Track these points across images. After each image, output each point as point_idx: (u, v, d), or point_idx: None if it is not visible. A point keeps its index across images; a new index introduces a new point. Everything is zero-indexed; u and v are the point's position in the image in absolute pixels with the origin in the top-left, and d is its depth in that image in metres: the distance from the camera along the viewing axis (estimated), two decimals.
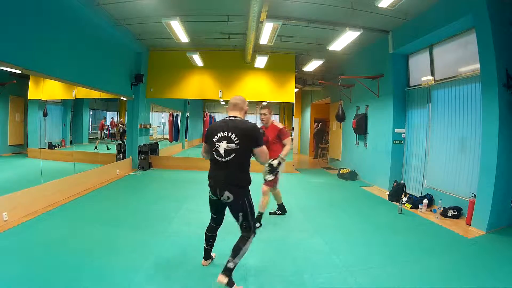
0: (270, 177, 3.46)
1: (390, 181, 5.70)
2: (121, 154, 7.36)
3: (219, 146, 2.18)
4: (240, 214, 2.23)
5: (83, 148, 6.67)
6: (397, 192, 5.08)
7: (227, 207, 2.31)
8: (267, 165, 3.38)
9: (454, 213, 4.14)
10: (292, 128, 10.60)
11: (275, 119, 3.82)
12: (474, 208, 3.78)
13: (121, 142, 7.84)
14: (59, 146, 5.93)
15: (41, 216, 3.67)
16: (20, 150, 5.08)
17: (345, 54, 7.25)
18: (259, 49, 7.19)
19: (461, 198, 4.25)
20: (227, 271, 2.10)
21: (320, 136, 11.25)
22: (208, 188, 2.32)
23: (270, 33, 5.22)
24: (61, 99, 5.83)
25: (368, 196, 5.60)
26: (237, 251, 2.15)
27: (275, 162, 3.35)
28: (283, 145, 3.61)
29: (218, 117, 10.58)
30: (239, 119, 2.28)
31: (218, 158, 2.20)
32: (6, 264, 2.41)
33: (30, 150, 5.07)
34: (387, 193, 5.44)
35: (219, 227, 2.54)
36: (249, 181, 2.29)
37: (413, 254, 2.97)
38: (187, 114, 10.89)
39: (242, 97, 2.38)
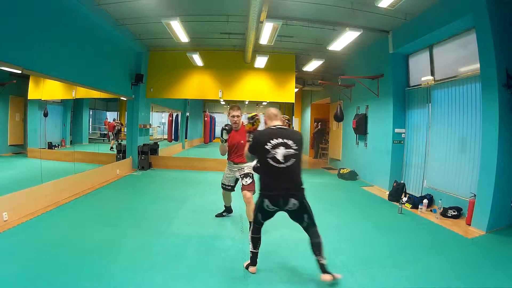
0: (249, 180, 3.37)
1: (390, 181, 5.70)
2: (121, 154, 7.36)
3: (276, 152, 2.20)
4: (306, 216, 2.32)
5: (83, 148, 6.68)
6: (397, 192, 5.08)
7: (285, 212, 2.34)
8: (248, 169, 3.38)
9: (454, 213, 4.14)
10: (292, 128, 10.61)
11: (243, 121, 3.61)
12: (474, 208, 3.78)
13: (119, 142, 7.84)
14: (59, 146, 5.94)
15: (41, 216, 3.67)
16: (20, 150, 5.09)
17: (345, 54, 7.25)
18: (259, 49, 7.19)
19: (461, 198, 4.25)
20: (325, 267, 2.21)
21: (320, 136, 11.25)
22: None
23: (270, 33, 5.22)
24: (61, 99, 5.84)
25: (368, 196, 5.60)
26: (319, 246, 2.26)
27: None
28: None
29: (218, 117, 10.60)
30: (287, 128, 2.38)
31: (276, 165, 2.19)
32: (6, 264, 2.41)
33: (30, 150, 5.08)
34: (387, 193, 5.44)
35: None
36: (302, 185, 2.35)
37: (413, 254, 2.97)
38: (187, 114, 10.90)
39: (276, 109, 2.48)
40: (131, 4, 4.89)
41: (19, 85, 4.74)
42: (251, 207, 3.27)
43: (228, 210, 3.97)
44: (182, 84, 7.94)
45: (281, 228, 3.60)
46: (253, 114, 3.30)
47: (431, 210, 4.47)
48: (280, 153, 2.20)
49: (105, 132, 8.19)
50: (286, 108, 11.25)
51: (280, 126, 2.35)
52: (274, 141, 2.22)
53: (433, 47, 5.04)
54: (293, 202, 2.22)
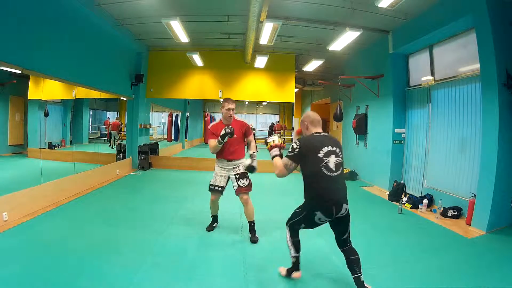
0: (246, 182, 3.19)
1: (390, 181, 5.70)
2: (121, 154, 7.36)
3: (329, 161, 2.10)
4: (349, 224, 2.30)
5: (83, 148, 6.68)
6: (397, 192, 5.08)
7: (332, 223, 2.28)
8: (243, 168, 3.15)
9: (454, 213, 4.14)
10: (292, 128, 10.60)
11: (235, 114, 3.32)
12: (474, 208, 3.78)
13: (120, 142, 7.85)
14: (59, 146, 5.94)
15: (41, 216, 3.67)
16: (20, 150, 5.09)
17: (345, 54, 7.25)
18: (259, 49, 7.19)
19: (461, 198, 4.25)
20: (364, 284, 2.11)
21: None
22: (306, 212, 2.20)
23: (270, 33, 5.22)
24: (61, 99, 5.84)
25: (368, 196, 5.60)
26: (358, 262, 2.18)
27: (255, 164, 3.01)
28: (247, 143, 3.28)
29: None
30: (330, 135, 2.29)
31: (329, 173, 2.10)
32: (6, 264, 2.41)
33: (30, 150, 5.08)
34: (387, 193, 5.44)
35: None
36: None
37: (413, 254, 2.97)
38: (187, 114, 10.89)
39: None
40: (131, 4, 4.89)
41: (19, 85, 4.74)
42: (250, 207, 3.27)
43: (215, 219, 3.58)
44: (182, 84, 7.94)
45: (280, 228, 3.59)
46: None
47: (431, 210, 4.47)
48: (332, 161, 2.11)
49: (105, 132, 8.18)
50: (286, 108, 11.25)
51: (323, 133, 2.24)
52: (326, 149, 2.12)
53: (433, 47, 5.04)
54: (345, 207, 2.18)
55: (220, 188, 3.25)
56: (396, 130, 5.75)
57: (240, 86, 7.99)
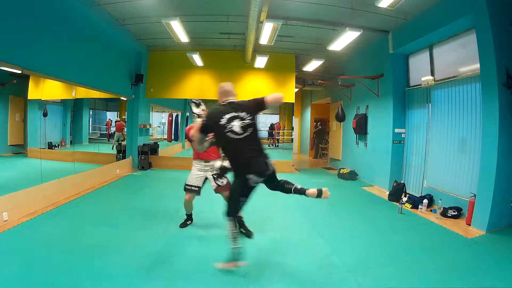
0: (224, 181, 3.29)
1: (390, 181, 5.70)
2: (121, 154, 7.36)
3: (233, 125, 2.22)
4: (275, 175, 2.42)
5: (83, 148, 6.67)
6: (397, 192, 5.08)
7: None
8: (214, 170, 3.23)
9: (454, 213, 4.14)
10: (292, 128, 10.60)
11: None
12: (474, 208, 3.78)
13: (119, 142, 7.85)
14: (59, 146, 5.93)
15: (41, 216, 3.67)
16: (20, 150, 5.08)
17: (345, 54, 7.25)
18: (259, 49, 7.19)
19: (461, 198, 4.25)
20: (295, 189, 2.43)
21: (320, 136, 11.25)
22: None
23: (270, 33, 5.22)
24: (61, 99, 5.83)
25: (368, 196, 5.60)
26: (288, 183, 2.46)
27: (227, 163, 3.09)
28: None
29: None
30: (237, 101, 2.38)
31: (236, 136, 2.21)
32: (6, 264, 2.41)
33: (30, 150, 5.07)
34: (387, 193, 5.44)
35: None
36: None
37: (413, 254, 2.97)
38: (187, 114, 10.88)
39: (231, 83, 2.49)
40: (131, 4, 4.89)
41: (19, 85, 4.73)
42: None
43: (190, 218, 3.64)
44: (182, 84, 7.94)
45: (281, 228, 3.60)
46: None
47: (431, 210, 4.47)
48: (236, 125, 2.22)
49: (106, 132, 8.18)
50: (286, 108, 11.24)
51: (230, 101, 2.36)
52: (227, 116, 2.24)
53: (433, 47, 5.04)
54: (269, 164, 2.30)
55: (197, 188, 3.37)
56: (396, 130, 5.75)
57: (240, 86, 7.98)
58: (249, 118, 2.26)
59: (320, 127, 11.17)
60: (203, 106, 3.23)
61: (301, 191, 2.43)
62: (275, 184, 2.49)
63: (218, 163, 3.05)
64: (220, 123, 2.23)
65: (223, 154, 2.38)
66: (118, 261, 2.57)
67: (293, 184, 2.46)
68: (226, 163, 3.00)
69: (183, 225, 3.54)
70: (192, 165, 3.45)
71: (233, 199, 2.38)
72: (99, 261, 2.55)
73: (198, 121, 2.31)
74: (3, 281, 2.17)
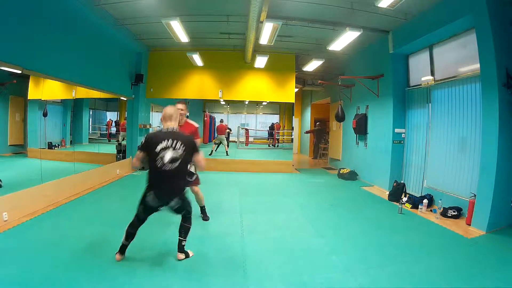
0: (193, 177, 3.56)
1: (390, 181, 5.70)
2: (121, 154, 7.36)
3: (164, 155, 2.34)
4: (186, 211, 2.58)
5: (83, 148, 6.67)
6: (397, 192, 5.08)
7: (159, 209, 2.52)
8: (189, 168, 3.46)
9: (454, 213, 4.14)
10: (292, 128, 10.60)
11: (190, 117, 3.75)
12: (474, 208, 3.78)
13: (119, 142, 7.85)
14: (59, 146, 5.93)
15: (41, 216, 3.67)
16: (20, 150, 5.08)
17: (345, 54, 7.25)
18: (259, 49, 7.19)
19: (461, 198, 4.25)
20: (182, 248, 2.62)
21: (320, 136, 11.23)
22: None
23: (270, 33, 5.22)
24: (61, 99, 5.83)
25: (368, 196, 5.60)
26: (188, 231, 2.63)
27: (192, 169, 3.51)
28: None
29: (218, 117, 10.61)
30: (177, 130, 2.49)
31: (162, 167, 2.34)
32: (6, 264, 2.41)
33: (30, 150, 5.06)
34: (387, 193, 5.44)
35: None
36: (187, 184, 2.63)
37: (413, 254, 2.97)
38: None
39: (174, 107, 2.60)
40: (131, 4, 4.89)
41: (19, 85, 4.73)
42: (200, 195, 3.71)
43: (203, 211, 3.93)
44: (182, 84, 7.94)
45: (281, 228, 3.60)
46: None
47: (431, 210, 4.47)
48: (167, 156, 2.34)
49: (106, 132, 8.17)
50: (286, 108, 11.24)
51: (171, 129, 2.45)
52: (163, 144, 2.34)
53: (433, 47, 5.04)
54: (175, 201, 2.45)
55: None
56: (396, 130, 5.75)
57: (240, 86, 7.99)
58: (182, 151, 2.37)
59: (318, 127, 11.13)
60: (179, 105, 3.44)
61: (179, 248, 2.65)
62: (182, 215, 2.63)
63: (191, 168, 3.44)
64: (155, 150, 2.35)
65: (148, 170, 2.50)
66: (118, 261, 2.56)
67: (183, 240, 2.63)
68: (193, 168, 3.47)
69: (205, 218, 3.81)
70: None
71: (138, 205, 2.56)
72: (98, 261, 2.55)
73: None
74: (3, 281, 2.17)
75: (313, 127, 11.76)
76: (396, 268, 2.63)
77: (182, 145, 2.37)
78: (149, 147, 2.37)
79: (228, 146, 9.17)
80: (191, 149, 2.43)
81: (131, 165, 2.49)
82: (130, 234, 2.56)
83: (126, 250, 2.59)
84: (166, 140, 2.35)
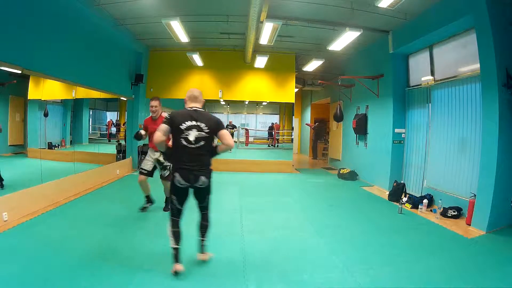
0: (167, 172, 3.85)
1: (390, 181, 5.70)
2: (121, 154, 7.35)
3: (189, 134, 2.32)
4: (207, 197, 2.52)
5: (83, 148, 6.66)
6: (397, 192, 5.08)
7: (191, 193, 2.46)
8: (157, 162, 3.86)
9: (454, 213, 4.14)
10: (292, 128, 10.60)
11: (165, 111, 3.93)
12: (474, 208, 3.78)
13: (119, 142, 7.85)
14: (59, 146, 5.93)
15: (41, 216, 3.67)
16: (20, 150, 5.08)
17: (345, 54, 7.25)
18: (259, 49, 7.19)
19: (461, 198, 4.25)
20: (204, 248, 2.58)
21: (318, 135, 11.20)
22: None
23: (270, 33, 5.22)
24: (61, 99, 5.83)
25: (368, 196, 5.60)
26: (206, 229, 2.57)
27: (161, 159, 3.83)
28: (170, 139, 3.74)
29: (218, 117, 10.66)
30: (203, 110, 2.47)
31: (188, 145, 2.32)
32: (6, 264, 2.41)
33: (30, 150, 5.06)
34: (387, 193, 5.44)
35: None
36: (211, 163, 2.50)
37: (413, 254, 2.97)
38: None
39: (199, 90, 2.58)
40: (131, 4, 4.89)
41: (19, 85, 4.72)
42: (168, 185, 3.62)
43: (149, 200, 4.11)
44: (182, 84, 7.94)
45: (281, 228, 3.60)
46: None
47: (431, 210, 4.47)
48: (192, 134, 2.32)
49: (106, 132, 8.17)
50: (286, 108, 11.24)
51: (196, 108, 2.43)
52: (189, 123, 2.33)
53: (433, 47, 5.04)
54: (202, 179, 2.36)
55: (146, 172, 3.92)
56: (396, 130, 5.75)
57: (240, 86, 7.99)
58: (206, 131, 2.35)
59: (316, 127, 11.09)
60: (153, 102, 3.81)
61: (202, 247, 2.61)
62: (200, 209, 2.57)
63: (156, 155, 3.79)
64: (180, 127, 2.32)
65: (172, 150, 2.44)
66: (118, 261, 2.57)
67: (204, 238, 2.59)
68: (162, 157, 3.76)
69: (143, 209, 3.92)
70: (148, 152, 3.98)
71: (170, 196, 2.45)
72: (98, 261, 2.55)
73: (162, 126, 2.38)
74: (3, 281, 2.17)
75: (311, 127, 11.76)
76: (396, 268, 2.63)
77: (206, 125, 2.35)
78: (174, 124, 2.32)
79: None
80: (215, 128, 2.39)
81: (154, 141, 2.34)
82: (177, 234, 2.40)
83: (180, 256, 2.42)
84: (191, 120, 2.33)
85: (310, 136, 11.83)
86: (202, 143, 2.34)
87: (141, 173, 3.93)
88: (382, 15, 4.92)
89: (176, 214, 2.44)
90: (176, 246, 2.39)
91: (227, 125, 9.34)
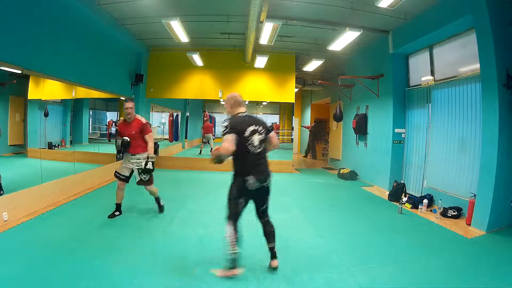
0: (147, 177, 3.71)
1: (390, 181, 5.70)
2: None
3: (253, 139, 2.36)
4: (268, 198, 2.51)
5: (83, 148, 6.66)
6: (397, 192, 5.08)
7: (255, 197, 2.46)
8: (137, 166, 3.68)
9: (454, 213, 4.15)
10: (292, 128, 10.60)
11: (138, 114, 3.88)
12: (474, 208, 3.78)
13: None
14: (59, 146, 5.93)
15: (41, 216, 3.67)
16: (20, 150, 5.08)
17: (345, 54, 7.25)
18: (259, 49, 7.19)
19: (461, 198, 4.25)
20: (276, 254, 2.54)
21: (316, 135, 11.19)
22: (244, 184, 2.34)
23: (270, 33, 5.22)
24: (61, 99, 5.83)
25: (368, 196, 5.60)
26: (273, 234, 2.55)
27: (145, 164, 3.63)
28: (145, 141, 3.71)
29: (218, 117, 10.62)
30: (252, 114, 2.54)
31: (254, 150, 2.37)
32: (6, 264, 2.41)
33: (30, 150, 5.06)
34: (387, 193, 5.44)
35: None
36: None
37: (413, 254, 2.97)
38: (187, 114, 10.89)
39: (238, 93, 2.60)
40: (131, 4, 4.89)
41: (19, 85, 4.72)
42: (153, 190, 3.88)
43: (119, 209, 3.86)
44: (182, 84, 7.94)
45: (281, 228, 3.60)
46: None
47: (431, 210, 4.47)
48: (256, 139, 2.38)
49: (106, 132, 8.17)
50: (286, 108, 11.24)
51: (247, 113, 2.49)
52: (251, 128, 2.37)
53: (433, 47, 5.04)
54: (269, 180, 2.42)
55: (124, 177, 3.77)
56: (396, 130, 5.76)
57: (240, 86, 7.99)
58: (263, 133, 2.43)
59: (312, 129, 11.06)
60: (127, 104, 3.63)
61: (271, 255, 2.57)
62: (261, 212, 2.55)
63: (142, 163, 3.60)
64: (244, 135, 2.35)
65: (233, 159, 2.40)
66: (118, 261, 2.56)
67: (273, 243, 2.55)
68: (150, 165, 3.61)
69: (111, 215, 3.72)
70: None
71: (231, 202, 2.38)
72: (98, 261, 2.55)
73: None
74: (3, 281, 2.17)
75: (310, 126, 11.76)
76: (396, 268, 2.63)
77: (262, 128, 2.43)
78: (239, 132, 2.33)
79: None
80: (267, 130, 2.48)
81: (225, 153, 2.21)
82: (238, 239, 2.37)
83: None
84: (252, 125, 2.39)
85: (309, 136, 11.83)
86: (263, 145, 2.43)
87: (118, 178, 3.78)
88: (382, 15, 4.92)
89: (236, 219, 2.39)
90: (237, 251, 2.36)
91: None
